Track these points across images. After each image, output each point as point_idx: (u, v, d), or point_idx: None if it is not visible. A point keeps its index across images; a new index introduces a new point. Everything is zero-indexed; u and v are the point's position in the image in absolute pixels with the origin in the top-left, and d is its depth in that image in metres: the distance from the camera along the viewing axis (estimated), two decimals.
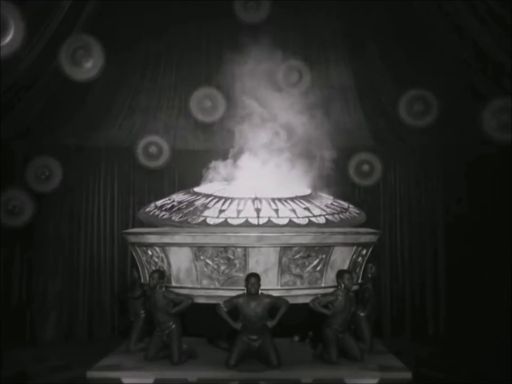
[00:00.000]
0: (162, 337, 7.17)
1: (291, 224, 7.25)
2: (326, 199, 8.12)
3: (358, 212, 8.10)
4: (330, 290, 7.10)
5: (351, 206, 8.19)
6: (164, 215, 7.68)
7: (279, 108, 8.45)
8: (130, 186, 9.45)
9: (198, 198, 7.83)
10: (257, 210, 7.38)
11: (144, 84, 9.37)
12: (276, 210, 7.44)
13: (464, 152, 8.88)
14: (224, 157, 8.42)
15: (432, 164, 9.22)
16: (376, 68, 8.88)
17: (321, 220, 7.47)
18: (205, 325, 7.86)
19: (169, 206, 7.82)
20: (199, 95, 9.21)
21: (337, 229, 7.39)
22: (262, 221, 7.25)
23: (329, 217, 7.57)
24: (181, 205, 7.72)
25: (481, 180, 8.69)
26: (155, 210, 7.89)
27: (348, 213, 7.88)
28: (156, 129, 9.45)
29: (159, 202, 8.10)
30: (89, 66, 8.05)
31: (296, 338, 8.27)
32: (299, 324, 7.92)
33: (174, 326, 7.13)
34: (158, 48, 9.32)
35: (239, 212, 7.36)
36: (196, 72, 9.39)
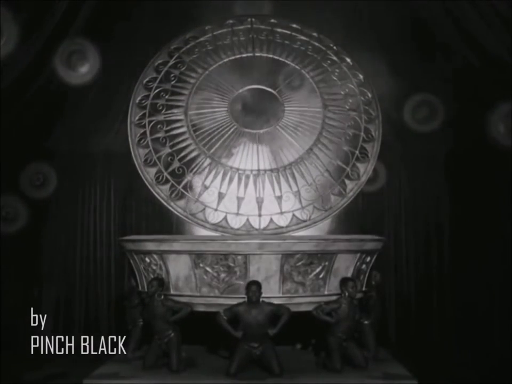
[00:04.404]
0: (161, 346, 7.06)
1: (295, 220, 7.34)
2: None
3: None
4: (334, 298, 7.03)
5: None
6: None
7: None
8: (127, 192, 9.30)
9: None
10: (259, 202, 7.45)
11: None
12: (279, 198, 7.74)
13: (470, 158, 8.79)
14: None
15: (437, 169, 9.09)
16: (381, 72, 8.82)
17: None
18: (205, 333, 7.73)
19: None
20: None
21: (340, 236, 7.43)
22: (263, 219, 7.35)
23: None
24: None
25: (488, 185, 8.60)
26: None
27: None
28: None
29: None
30: (85, 71, 8.06)
31: (298, 346, 8.17)
32: (301, 331, 7.80)
33: (173, 334, 7.02)
34: (155, 52, 9.19)
35: (239, 200, 7.37)
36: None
